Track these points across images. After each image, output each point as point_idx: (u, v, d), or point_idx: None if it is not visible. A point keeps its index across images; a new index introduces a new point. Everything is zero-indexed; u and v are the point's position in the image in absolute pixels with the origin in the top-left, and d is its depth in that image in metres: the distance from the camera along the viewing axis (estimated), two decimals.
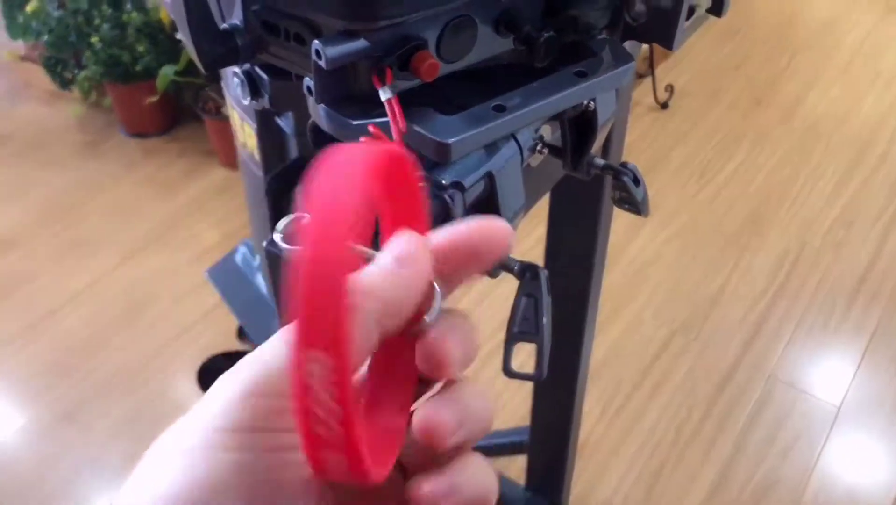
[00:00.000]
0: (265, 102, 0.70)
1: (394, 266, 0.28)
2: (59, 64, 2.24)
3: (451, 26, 0.49)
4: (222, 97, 2.15)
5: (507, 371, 0.60)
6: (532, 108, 0.48)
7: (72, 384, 1.67)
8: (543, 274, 0.59)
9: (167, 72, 2.03)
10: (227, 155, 2.23)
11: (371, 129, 0.48)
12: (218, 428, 0.26)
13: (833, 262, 1.95)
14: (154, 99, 2.13)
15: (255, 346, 1.04)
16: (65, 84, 2.28)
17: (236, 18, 0.54)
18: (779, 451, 1.56)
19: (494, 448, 1.33)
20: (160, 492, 0.25)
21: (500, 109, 0.47)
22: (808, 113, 2.46)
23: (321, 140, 0.63)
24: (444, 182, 0.53)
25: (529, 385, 1.65)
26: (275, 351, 0.28)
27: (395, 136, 0.47)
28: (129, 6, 2.13)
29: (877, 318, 1.81)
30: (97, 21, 2.10)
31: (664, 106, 2.47)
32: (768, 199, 2.14)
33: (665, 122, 2.42)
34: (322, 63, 0.46)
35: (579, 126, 0.65)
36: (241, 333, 1.28)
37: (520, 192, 0.59)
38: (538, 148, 0.61)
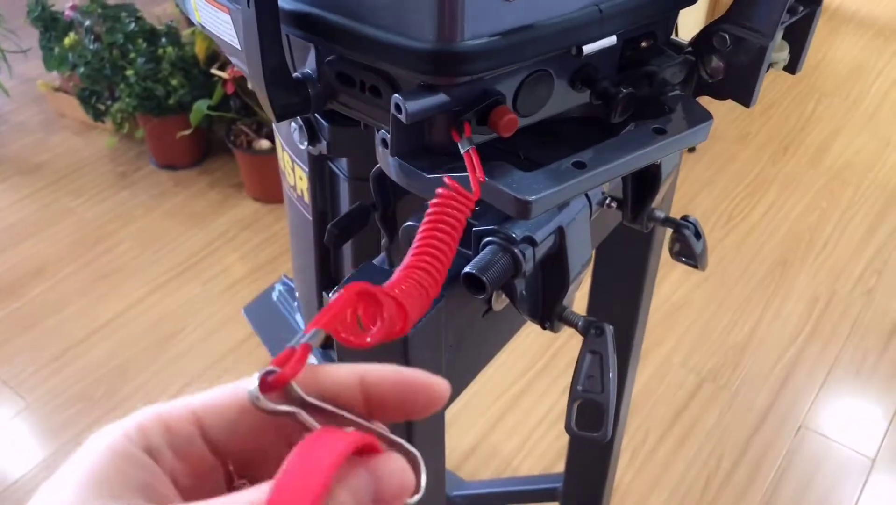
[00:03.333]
0: (322, 148, 0.70)
1: None
2: (94, 96, 2.27)
3: (529, 81, 0.49)
4: (254, 131, 2.17)
5: (571, 430, 0.59)
6: (612, 165, 0.48)
7: (97, 417, 1.67)
8: (609, 330, 0.58)
9: (201, 106, 2.05)
10: (257, 188, 2.24)
11: (447, 179, 0.48)
12: (90, 488, 0.26)
13: (864, 309, 1.93)
14: (187, 132, 2.15)
15: None
16: (98, 116, 2.31)
17: (309, 68, 0.55)
18: (812, 503, 1.53)
19: (527, 494, 1.31)
20: None
21: (581, 167, 0.47)
22: (836, 159, 2.45)
23: (384, 189, 0.63)
24: (515, 236, 0.53)
25: (560, 430, 1.63)
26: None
27: (473, 186, 0.46)
28: (163, 41, 2.16)
29: None
30: (132, 55, 2.13)
31: (691, 149, 2.47)
32: (797, 244, 2.13)
33: (692, 166, 2.42)
34: (402, 117, 0.46)
35: (641, 179, 0.65)
36: None
37: (588, 246, 0.58)
38: (607, 202, 0.60)
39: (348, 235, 0.64)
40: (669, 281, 1.98)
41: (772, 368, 1.79)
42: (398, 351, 0.54)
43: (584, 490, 1.23)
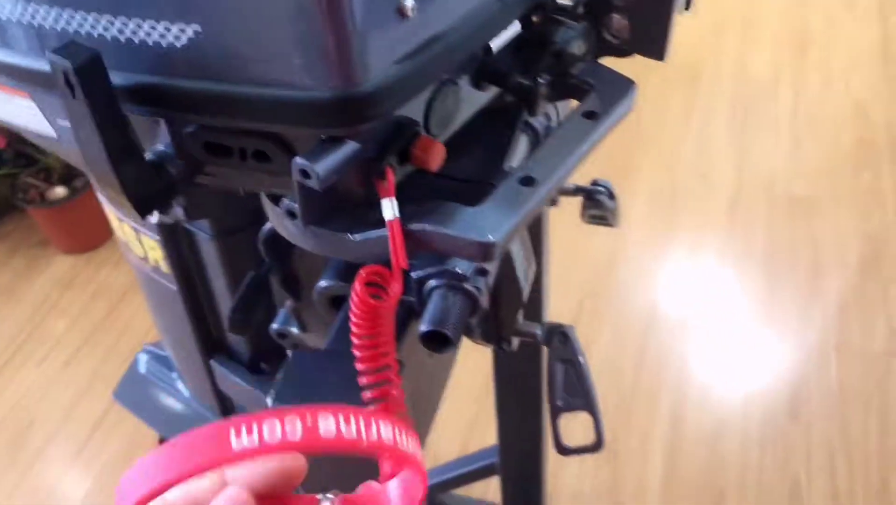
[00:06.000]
0: (178, 214, 0.59)
1: None
2: None
3: (436, 98, 0.42)
4: (44, 181, 1.94)
5: (562, 450, 0.54)
6: (560, 171, 0.41)
7: None
8: (572, 332, 0.53)
9: None
10: (66, 240, 2.01)
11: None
12: None
13: (705, 190, 2.02)
14: None
15: None
16: None
17: (161, 144, 0.44)
18: (717, 389, 1.59)
19: (466, 476, 1.27)
20: None
21: (530, 182, 0.40)
22: None
23: (279, 250, 0.54)
24: (462, 273, 0.46)
25: (478, 399, 1.60)
26: None
27: (395, 269, 0.39)
28: None
29: (759, 234, 1.88)
30: None
31: None
32: (630, 144, 2.18)
33: None
34: (313, 183, 0.37)
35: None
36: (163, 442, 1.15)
37: (529, 250, 0.52)
38: None
39: (253, 314, 0.54)
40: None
41: (640, 272, 1.83)
42: None
43: (522, 457, 1.20)
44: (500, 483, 1.27)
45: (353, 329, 0.38)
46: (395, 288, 0.39)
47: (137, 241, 0.72)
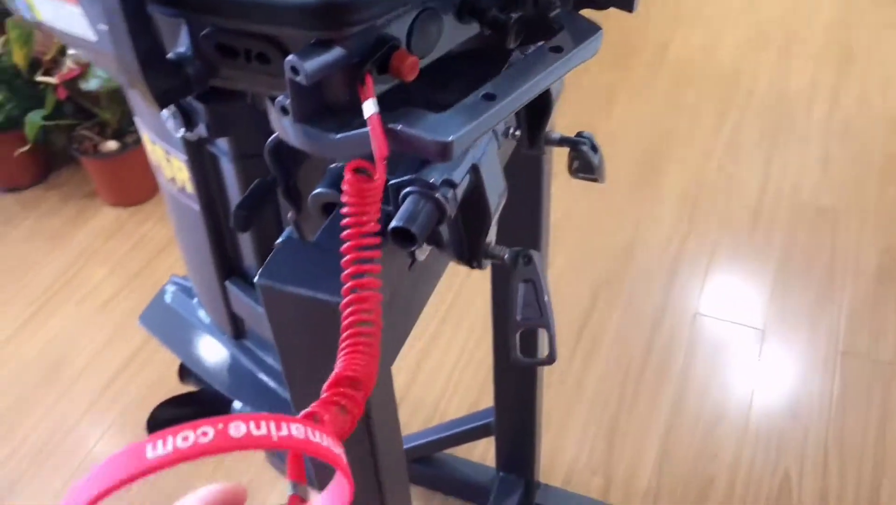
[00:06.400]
0: (201, 131, 0.66)
1: None
2: None
3: (419, 21, 0.48)
4: (98, 134, 2.04)
5: (517, 360, 0.60)
6: (520, 91, 0.47)
7: (2, 459, 1.56)
8: (537, 256, 0.59)
9: (34, 118, 1.91)
10: (113, 193, 2.12)
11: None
12: None
13: (728, 195, 2.05)
14: (25, 149, 2.00)
15: (200, 385, 0.99)
16: None
17: (182, 47, 0.51)
18: (719, 383, 1.62)
19: (462, 435, 1.33)
20: None
21: (491, 98, 0.46)
22: (676, 59, 2.56)
23: (282, 161, 0.61)
24: (434, 182, 0.52)
25: (483, 367, 1.66)
26: None
27: (377, 158, 0.45)
28: None
29: (778, 239, 1.91)
30: None
31: None
32: (658, 145, 2.21)
33: None
34: (300, 79, 0.44)
35: (534, 105, 0.65)
36: (183, 374, 1.22)
37: (500, 178, 0.58)
38: (511, 132, 0.60)
39: (257, 214, 0.61)
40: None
41: (658, 265, 1.87)
42: (337, 323, 0.53)
43: (516, 418, 1.26)
44: (495, 443, 1.33)
45: (345, 207, 0.44)
46: (379, 173, 0.45)
47: (167, 162, 0.80)
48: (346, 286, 0.44)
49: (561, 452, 1.52)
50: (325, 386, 0.39)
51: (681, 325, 1.74)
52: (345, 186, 0.46)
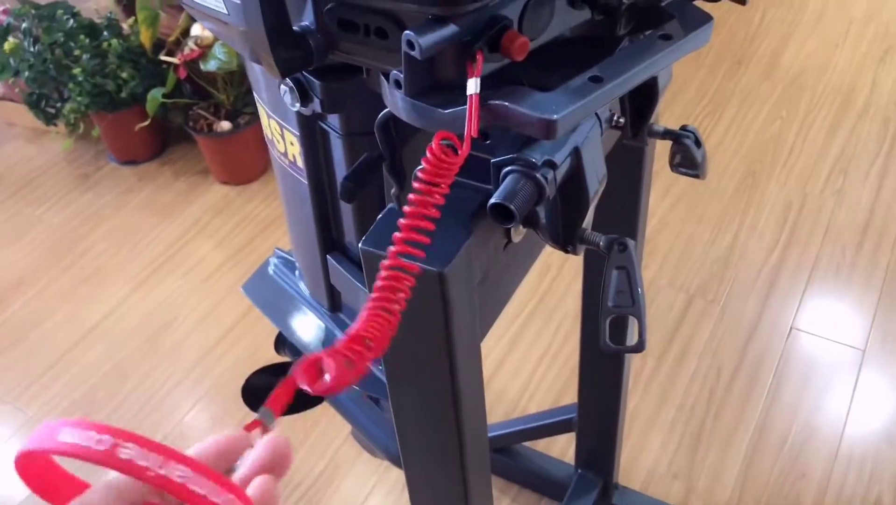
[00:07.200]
0: (315, 106, 0.69)
1: None
2: (42, 99, 2.21)
3: (531, 3, 0.50)
4: (213, 114, 2.14)
5: (607, 346, 0.61)
6: (627, 76, 0.48)
7: (103, 419, 1.66)
8: (632, 245, 0.60)
9: (155, 95, 2.01)
10: (223, 171, 2.22)
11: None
12: None
13: (836, 209, 1.98)
14: (144, 124, 2.11)
15: (295, 356, 1.03)
16: (49, 119, 2.25)
17: (307, 20, 0.54)
18: (811, 400, 1.58)
19: (543, 428, 1.33)
20: None
21: (598, 80, 0.48)
22: (789, 67, 2.49)
23: (389, 137, 0.63)
24: (535, 161, 0.54)
25: (569, 364, 1.66)
26: None
27: (466, 135, 0.46)
28: (105, 34, 2.10)
29: (886, 258, 1.84)
30: (76, 52, 2.07)
31: None
32: (763, 154, 2.16)
33: None
34: (416, 53, 0.46)
35: (640, 94, 0.66)
36: (279, 345, 1.27)
37: (601, 163, 0.59)
38: (616, 118, 0.61)
39: (362, 187, 0.64)
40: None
41: (756, 277, 1.83)
42: (435, 292, 0.55)
43: (599, 416, 1.26)
44: (576, 440, 1.33)
45: (418, 174, 0.46)
46: (465, 150, 0.47)
47: (281, 136, 0.84)
48: (392, 249, 0.45)
49: (642, 455, 1.50)
50: (341, 337, 0.42)
51: (776, 338, 1.70)
52: (427, 154, 0.47)
